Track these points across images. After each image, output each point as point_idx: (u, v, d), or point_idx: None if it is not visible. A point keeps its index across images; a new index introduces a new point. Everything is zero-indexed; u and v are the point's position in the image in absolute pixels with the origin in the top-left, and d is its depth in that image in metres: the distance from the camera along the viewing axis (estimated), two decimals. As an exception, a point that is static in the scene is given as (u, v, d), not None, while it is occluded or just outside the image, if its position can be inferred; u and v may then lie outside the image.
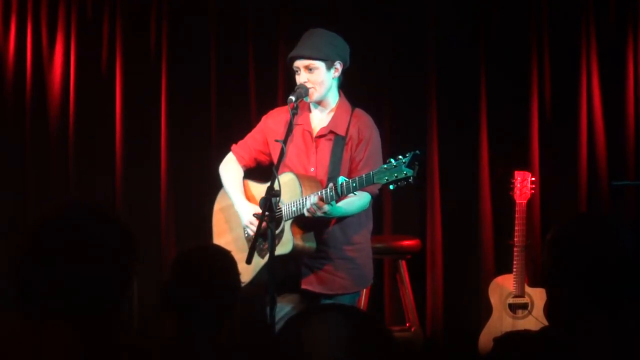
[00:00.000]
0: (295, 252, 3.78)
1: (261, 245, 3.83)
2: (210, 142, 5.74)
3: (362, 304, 5.10)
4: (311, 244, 3.82)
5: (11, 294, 1.87)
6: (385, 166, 3.54)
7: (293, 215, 3.76)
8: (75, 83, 5.78)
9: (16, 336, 1.83)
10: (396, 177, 3.49)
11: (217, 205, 4.17)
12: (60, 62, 5.80)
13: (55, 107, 5.80)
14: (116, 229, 1.90)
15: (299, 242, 3.78)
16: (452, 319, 5.62)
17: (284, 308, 3.88)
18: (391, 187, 3.53)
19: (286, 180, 3.76)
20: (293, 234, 3.77)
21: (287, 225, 3.79)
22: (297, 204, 3.74)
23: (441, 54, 5.67)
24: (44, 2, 5.80)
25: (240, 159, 4.09)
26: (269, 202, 3.60)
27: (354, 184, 3.61)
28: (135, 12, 5.82)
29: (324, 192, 3.68)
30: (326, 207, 3.65)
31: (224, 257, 2.84)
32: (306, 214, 3.69)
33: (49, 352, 1.80)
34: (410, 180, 3.49)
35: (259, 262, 3.82)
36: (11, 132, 5.80)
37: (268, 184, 3.70)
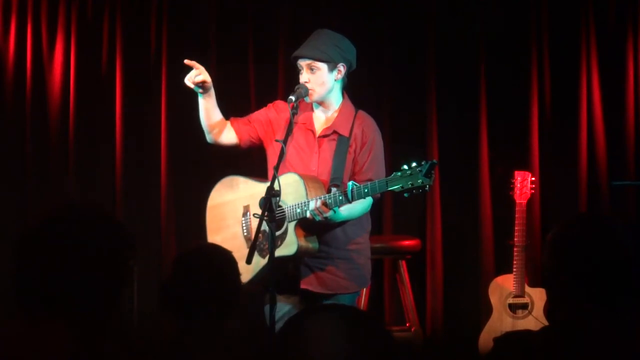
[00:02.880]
0: (299, 253, 3.77)
1: (262, 245, 3.82)
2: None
3: (362, 304, 5.10)
4: (314, 245, 3.81)
5: (11, 294, 1.87)
6: (399, 173, 3.50)
7: (297, 217, 3.74)
8: (75, 83, 5.78)
9: (16, 336, 1.83)
10: (412, 185, 3.46)
11: (211, 202, 4.14)
12: (60, 62, 5.80)
13: (55, 107, 5.80)
14: (113, 229, 1.90)
15: (303, 244, 3.77)
16: (452, 319, 5.62)
17: (282, 308, 3.87)
18: (406, 194, 3.51)
19: (290, 182, 3.75)
20: (297, 236, 3.76)
21: (290, 226, 3.77)
22: (301, 206, 3.72)
23: (441, 54, 5.67)
24: (44, 2, 5.80)
25: (232, 121, 4.08)
26: (269, 202, 3.59)
27: (366, 190, 3.58)
28: (135, 12, 5.82)
29: (328, 197, 3.66)
30: (329, 213, 3.64)
31: (225, 257, 2.84)
32: (308, 216, 3.69)
33: (48, 352, 1.80)
34: (426, 189, 3.47)
35: (259, 261, 3.81)
36: (11, 132, 5.80)
37: (267, 183, 3.69)
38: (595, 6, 5.57)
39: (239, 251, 3.71)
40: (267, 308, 3.69)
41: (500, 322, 5.13)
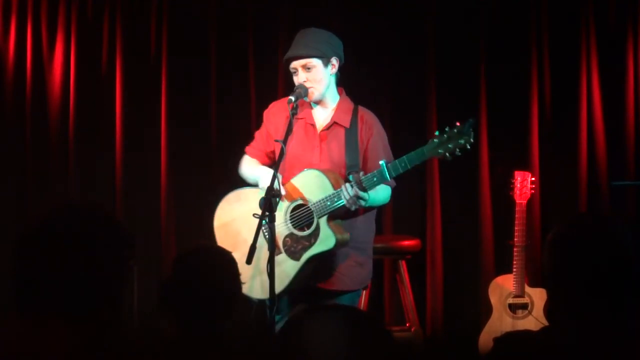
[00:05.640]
0: (338, 246, 3.78)
1: (292, 248, 3.80)
2: (210, 142, 5.74)
3: (362, 304, 5.10)
4: (347, 235, 3.82)
5: (11, 294, 1.87)
6: (437, 140, 3.56)
7: (328, 210, 3.74)
8: (75, 83, 5.78)
9: (16, 336, 1.83)
10: (455, 147, 3.53)
11: (218, 222, 4.05)
12: (60, 62, 5.80)
13: (55, 107, 5.80)
14: (113, 228, 1.90)
15: (339, 236, 3.78)
16: (452, 319, 5.62)
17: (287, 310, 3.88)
18: (450, 159, 3.56)
19: (312, 177, 3.77)
20: (332, 229, 3.76)
21: (322, 221, 3.77)
22: (332, 198, 3.73)
23: (442, 54, 5.67)
24: (44, 2, 5.80)
25: (257, 157, 4.08)
26: (269, 202, 3.59)
27: (403, 164, 3.62)
28: (135, 12, 5.82)
29: (364, 179, 3.66)
30: (366, 196, 3.65)
31: (225, 257, 2.84)
32: (346, 204, 3.68)
33: (48, 352, 1.80)
34: (467, 147, 3.53)
35: (294, 265, 3.79)
36: (11, 132, 5.80)
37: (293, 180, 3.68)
38: (595, 6, 5.57)
39: (263, 261, 3.69)
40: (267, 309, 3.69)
41: (500, 322, 5.13)
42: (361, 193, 3.64)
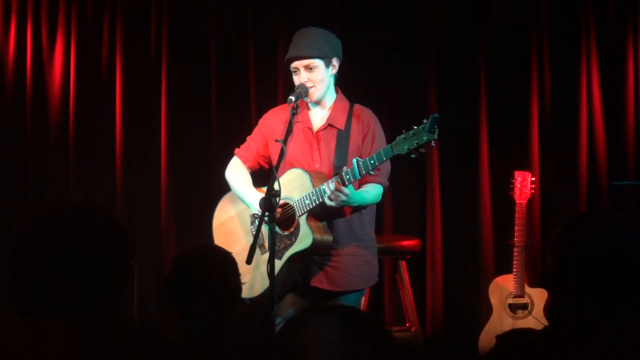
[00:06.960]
0: (314, 246, 3.75)
1: (276, 247, 3.80)
2: (211, 142, 5.75)
3: (362, 304, 5.10)
4: (328, 237, 3.80)
5: (11, 294, 1.87)
6: (402, 136, 3.53)
7: (308, 209, 3.73)
8: (75, 83, 5.78)
9: (16, 336, 1.82)
10: (417, 144, 3.48)
11: (216, 222, 4.11)
12: (60, 62, 5.80)
13: (55, 107, 5.80)
14: (111, 228, 1.90)
15: (318, 236, 3.76)
16: (452, 319, 5.62)
17: (287, 310, 3.87)
18: (413, 155, 3.52)
19: (294, 177, 3.76)
20: (311, 228, 3.75)
21: (302, 220, 3.76)
22: (310, 196, 3.72)
23: (441, 54, 5.67)
24: (44, 2, 5.80)
25: (245, 160, 4.07)
26: (269, 202, 3.59)
27: (372, 161, 3.59)
28: (135, 12, 5.82)
29: (335, 178, 3.63)
30: (347, 190, 3.61)
31: (225, 257, 2.84)
32: (327, 202, 3.65)
33: (48, 352, 1.80)
34: (432, 144, 3.49)
35: (276, 264, 3.78)
36: (11, 131, 5.80)
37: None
38: (595, 7, 5.57)
39: (255, 260, 3.70)
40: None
41: (500, 322, 5.13)
42: (342, 187, 3.61)
